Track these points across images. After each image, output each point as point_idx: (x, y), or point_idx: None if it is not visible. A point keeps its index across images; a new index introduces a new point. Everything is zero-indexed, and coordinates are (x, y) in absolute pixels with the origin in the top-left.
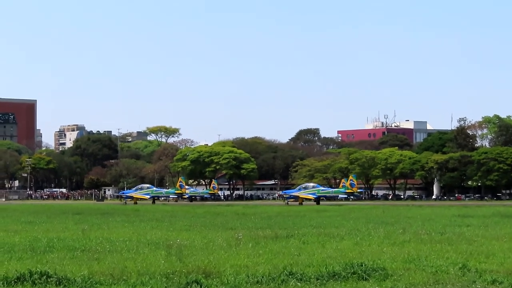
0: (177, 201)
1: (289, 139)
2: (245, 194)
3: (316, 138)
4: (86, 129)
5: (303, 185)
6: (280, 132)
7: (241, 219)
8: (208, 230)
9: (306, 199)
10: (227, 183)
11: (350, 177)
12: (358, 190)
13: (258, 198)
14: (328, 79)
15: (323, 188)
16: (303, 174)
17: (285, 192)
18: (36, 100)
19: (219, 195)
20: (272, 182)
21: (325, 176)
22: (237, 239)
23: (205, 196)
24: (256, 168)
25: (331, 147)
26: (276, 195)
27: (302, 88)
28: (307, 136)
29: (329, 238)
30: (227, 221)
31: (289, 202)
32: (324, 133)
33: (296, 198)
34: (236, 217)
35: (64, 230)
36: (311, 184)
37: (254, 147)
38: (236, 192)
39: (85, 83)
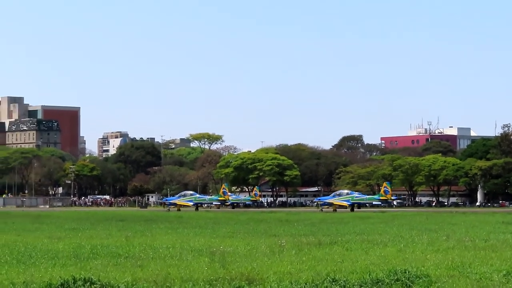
0: (219, 208)
1: (332, 146)
2: (288, 200)
3: (360, 145)
4: (129, 136)
5: (337, 192)
6: (323, 138)
7: (284, 225)
8: (251, 237)
9: (340, 206)
10: (270, 189)
11: (384, 184)
12: (393, 197)
13: (301, 205)
14: (371, 85)
15: (357, 195)
16: (346, 180)
17: (319, 199)
18: (79, 108)
19: (261, 202)
20: (315, 189)
21: (369, 182)
22: (280, 245)
23: (247, 203)
24: (299, 175)
25: (375, 153)
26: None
27: (345, 95)
28: (350, 143)
29: (372, 244)
30: (270, 228)
31: (323, 209)
32: (367, 140)
33: (330, 205)
34: (279, 223)
35: (108, 237)
36: (345, 191)
37: (297, 153)
38: (279, 199)
39: (128, 90)
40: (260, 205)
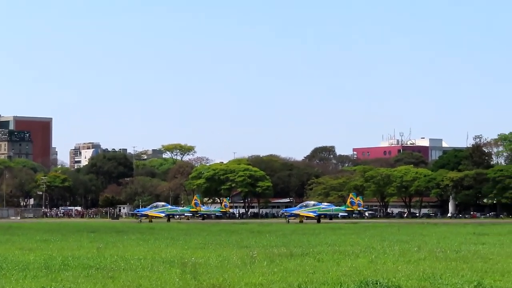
0: (188, 219)
1: (305, 157)
2: (260, 212)
3: (332, 156)
4: (101, 147)
5: (304, 203)
6: (296, 149)
7: (256, 237)
8: (223, 248)
9: (307, 217)
10: (242, 201)
11: (351, 195)
12: (364, 209)
13: (273, 216)
14: (343, 96)
15: (324, 205)
16: (318, 191)
17: (285, 210)
18: (51, 118)
19: (232, 213)
20: (287, 200)
21: (341, 194)
22: (251, 257)
23: (217, 214)
24: (271, 186)
25: (347, 164)
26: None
27: (317, 106)
28: (322, 154)
29: (344, 256)
30: (242, 239)
31: (289, 220)
32: (339, 151)
33: (297, 216)
34: (251, 235)
35: (79, 248)
36: (312, 202)
37: (270, 164)
38: (251, 210)
39: (100, 101)
40: (231, 216)
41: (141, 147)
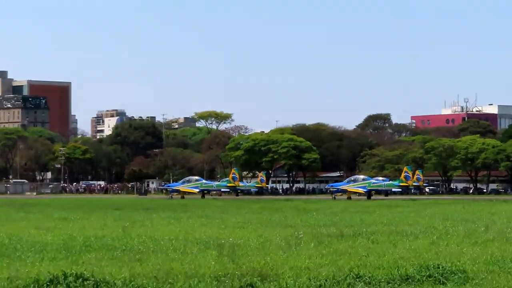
0: (220, 195)
1: (356, 126)
2: (306, 187)
3: (387, 125)
4: (127, 114)
5: (352, 178)
6: (346, 118)
7: (302, 215)
8: (264, 228)
9: (355, 193)
10: (286, 175)
11: (405, 169)
12: (420, 184)
13: (321, 192)
14: (400, 58)
15: (374, 180)
16: (372, 164)
17: (332, 186)
18: (70, 83)
19: (274, 188)
20: (337, 174)
21: (397, 167)
22: (297, 238)
23: (252, 189)
24: (318, 158)
25: (404, 134)
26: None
27: (370, 69)
28: (376, 123)
29: (401, 237)
30: (286, 218)
31: (336, 197)
32: (396, 119)
33: (344, 191)
34: (296, 213)
35: (103, 228)
36: (361, 176)
37: (317, 134)
38: (296, 185)
39: (125, 64)
40: (274, 192)
41: (171, 115)
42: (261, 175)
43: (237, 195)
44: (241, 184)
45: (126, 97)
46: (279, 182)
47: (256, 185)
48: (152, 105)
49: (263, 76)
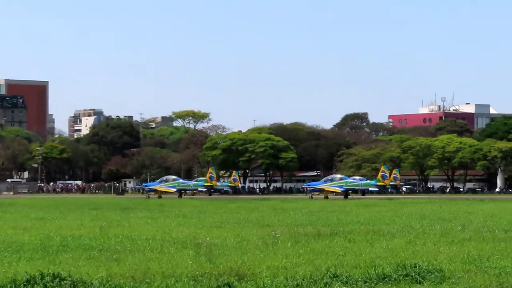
0: (194, 195)
1: (334, 125)
2: (284, 186)
3: (364, 124)
4: (104, 114)
5: (329, 177)
6: (324, 117)
7: (279, 214)
8: (241, 228)
9: (332, 192)
10: (263, 174)
11: (382, 168)
12: (396, 183)
13: (298, 191)
14: (377, 57)
15: (351, 180)
16: (349, 164)
17: (309, 185)
18: (48, 82)
19: (239, 188)
20: (314, 173)
21: (374, 166)
22: (274, 237)
23: (225, 189)
24: (296, 158)
25: (381, 133)
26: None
27: (348, 67)
28: (354, 122)
29: (378, 236)
30: (263, 217)
31: (313, 196)
32: (373, 118)
33: (322, 191)
34: (273, 212)
35: (80, 228)
36: (338, 176)
37: (294, 134)
38: (273, 184)
39: (103, 63)
40: (252, 191)
41: (149, 115)
42: (234, 175)
43: (210, 195)
44: (221, 184)
45: (104, 96)
46: (256, 181)
47: (229, 185)
48: (130, 105)
49: (241, 75)
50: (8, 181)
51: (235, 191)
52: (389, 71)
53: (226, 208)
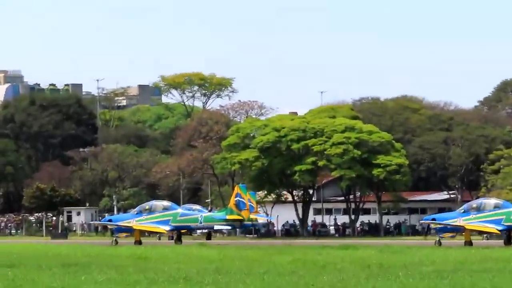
0: (209, 238)
1: (479, 102)
2: (385, 222)
3: None
4: (25, 80)
5: (474, 203)
6: (459, 89)
7: (374, 278)
8: None
9: (481, 232)
10: (342, 198)
11: None
12: None
13: (413, 231)
14: None
15: None
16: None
17: (433, 218)
18: None
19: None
20: (443, 195)
21: None
22: None
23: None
24: (407, 165)
25: None
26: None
27: None
28: None
29: None
30: (344, 285)
31: (442, 239)
32: None
33: (458, 230)
34: (362, 273)
35: None
36: (492, 201)
37: (402, 119)
38: (362, 218)
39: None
40: (320, 231)
41: (114, 83)
42: (253, 201)
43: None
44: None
45: (25, 49)
46: (329, 212)
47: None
48: (77, 64)
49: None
50: None
51: (288, 231)
52: None
53: (270, 264)
